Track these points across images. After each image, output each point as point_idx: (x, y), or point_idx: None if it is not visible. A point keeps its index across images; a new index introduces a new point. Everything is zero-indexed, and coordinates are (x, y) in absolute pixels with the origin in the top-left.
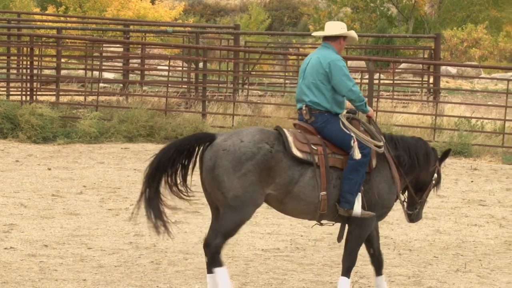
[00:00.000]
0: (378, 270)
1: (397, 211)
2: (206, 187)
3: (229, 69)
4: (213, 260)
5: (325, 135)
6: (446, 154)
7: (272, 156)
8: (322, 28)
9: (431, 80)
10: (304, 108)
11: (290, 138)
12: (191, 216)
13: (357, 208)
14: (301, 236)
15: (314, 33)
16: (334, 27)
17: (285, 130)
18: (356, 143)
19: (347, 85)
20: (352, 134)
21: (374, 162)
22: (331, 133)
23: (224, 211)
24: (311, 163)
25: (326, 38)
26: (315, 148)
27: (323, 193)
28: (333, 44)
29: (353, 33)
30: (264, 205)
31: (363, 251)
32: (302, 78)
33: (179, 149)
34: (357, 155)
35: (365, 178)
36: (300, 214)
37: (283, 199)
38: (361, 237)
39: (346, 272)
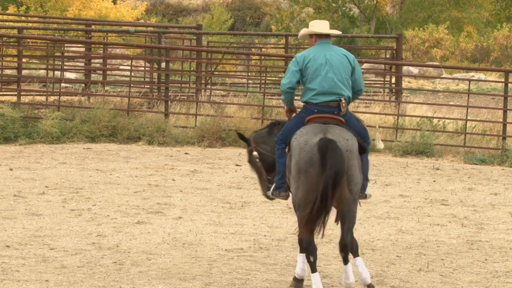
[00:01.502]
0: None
1: (359, 211)
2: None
3: (191, 69)
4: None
5: (349, 126)
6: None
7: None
8: (286, 29)
9: (393, 80)
10: (343, 101)
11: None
12: (154, 217)
13: (369, 191)
14: (264, 236)
15: (317, 30)
16: (327, 25)
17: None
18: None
19: (363, 82)
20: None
21: None
22: (353, 125)
23: (349, 208)
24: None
25: (322, 36)
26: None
27: None
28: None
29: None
30: (227, 205)
31: (327, 251)
32: (333, 73)
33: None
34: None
35: None
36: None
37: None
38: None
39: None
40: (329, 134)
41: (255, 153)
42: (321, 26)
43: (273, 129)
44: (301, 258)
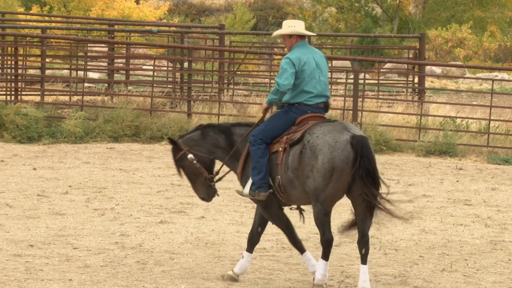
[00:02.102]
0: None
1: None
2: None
3: (214, 69)
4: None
5: None
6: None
7: None
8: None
9: (416, 80)
10: (328, 102)
11: None
12: (177, 216)
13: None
14: None
15: (301, 31)
16: (304, 26)
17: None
18: None
19: None
20: None
21: None
22: None
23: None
24: None
25: (302, 37)
26: None
27: None
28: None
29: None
30: (250, 205)
31: (350, 250)
32: (323, 76)
33: None
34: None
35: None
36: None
37: None
38: None
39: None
40: (352, 130)
41: (190, 155)
42: (302, 26)
43: (207, 132)
44: (323, 264)
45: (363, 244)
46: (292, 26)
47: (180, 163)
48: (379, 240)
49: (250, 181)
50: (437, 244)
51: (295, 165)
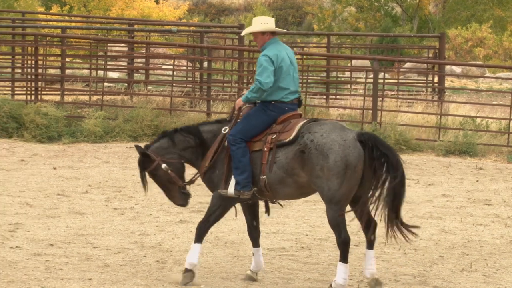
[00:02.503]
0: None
1: (402, 210)
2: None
3: (233, 68)
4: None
5: None
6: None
7: None
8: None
9: (436, 79)
10: (300, 98)
11: None
12: (196, 215)
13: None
14: (306, 235)
15: (274, 28)
16: (274, 23)
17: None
18: None
19: None
20: None
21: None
22: None
23: None
24: None
25: (273, 33)
26: None
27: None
28: None
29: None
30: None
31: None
32: (296, 72)
33: None
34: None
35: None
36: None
37: None
38: None
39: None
40: (349, 129)
41: (164, 165)
42: (273, 23)
43: (175, 137)
44: (343, 268)
45: (372, 230)
46: (265, 23)
47: (153, 173)
48: (398, 239)
49: (233, 181)
50: (457, 244)
51: (293, 165)
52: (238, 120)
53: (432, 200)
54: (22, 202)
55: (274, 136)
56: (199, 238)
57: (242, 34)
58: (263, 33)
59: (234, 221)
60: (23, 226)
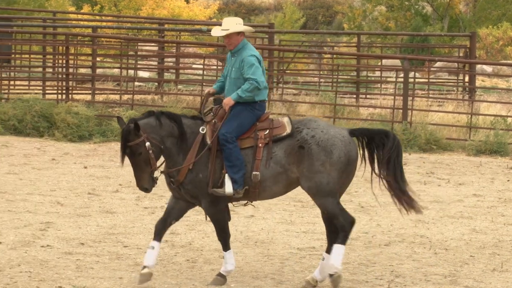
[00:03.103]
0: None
1: (433, 210)
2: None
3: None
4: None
5: None
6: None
7: None
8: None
9: (467, 78)
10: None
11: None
12: None
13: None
14: None
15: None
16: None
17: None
18: None
19: None
20: None
21: None
22: None
23: None
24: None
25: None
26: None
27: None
28: None
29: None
30: (299, 204)
31: (400, 250)
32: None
33: None
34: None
35: None
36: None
37: None
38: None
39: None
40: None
41: (148, 143)
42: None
43: (163, 119)
44: (342, 250)
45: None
46: (239, 23)
47: (133, 149)
48: (429, 239)
49: (228, 180)
50: (488, 243)
51: (290, 160)
52: (224, 119)
53: (463, 199)
54: (53, 201)
55: (267, 132)
56: (225, 246)
57: (219, 34)
58: (238, 33)
59: (264, 220)
60: (54, 225)
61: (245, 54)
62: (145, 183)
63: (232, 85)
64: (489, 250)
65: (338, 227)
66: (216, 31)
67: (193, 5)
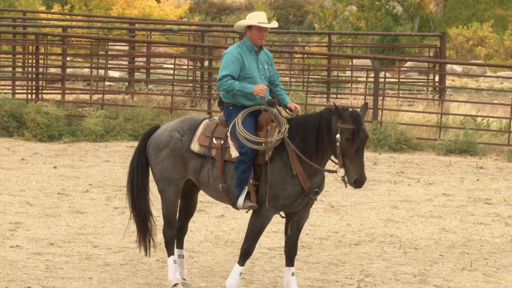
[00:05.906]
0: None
1: (403, 210)
2: None
3: None
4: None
5: (231, 129)
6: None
7: (182, 145)
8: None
9: (437, 78)
10: None
11: (198, 131)
12: (197, 215)
13: (240, 201)
14: (307, 234)
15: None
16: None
17: (204, 122)
18: (231, 141)
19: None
20: (238, 131)
21: (267, 156)
22: (231, 128)
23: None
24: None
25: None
26: (215, 142)
27: (222, 184)
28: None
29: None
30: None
31: (370, 250)
32: None
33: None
34: (233, 153)
35: (257, 171)
36: (219, 200)
37: (198, 185)
38: (255, 225)
39: (241, 259)
40: None
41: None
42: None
43: None
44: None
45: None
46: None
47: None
48: (399, 239)
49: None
50: (457, 243)
51: None
52: None
53: (433, 199)
54: (23, 201)
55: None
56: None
57: (274, 25)
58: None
59: (234, 220)
60: (23, 225)
61: (266, 51)
62: None
63: (266, 81)
64: (458, 250)
65: None
66: (268, 23)
67: (164, 5)
